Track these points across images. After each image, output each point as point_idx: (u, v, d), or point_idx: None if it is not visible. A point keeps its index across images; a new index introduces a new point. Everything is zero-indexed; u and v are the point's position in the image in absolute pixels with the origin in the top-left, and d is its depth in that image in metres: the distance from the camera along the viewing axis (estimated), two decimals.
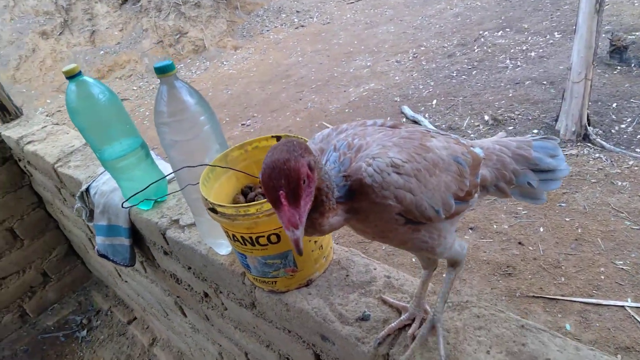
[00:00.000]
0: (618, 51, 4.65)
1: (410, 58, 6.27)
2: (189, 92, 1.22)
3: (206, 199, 1.13)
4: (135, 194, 1.44)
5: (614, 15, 5.67)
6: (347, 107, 5.42)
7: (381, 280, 1.16)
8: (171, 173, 1.33)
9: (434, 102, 5.04)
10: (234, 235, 1.15)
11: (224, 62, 8.10)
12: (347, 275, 1.20)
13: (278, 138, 1.34)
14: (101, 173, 1.85)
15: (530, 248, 3.06)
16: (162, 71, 1.20)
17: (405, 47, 6.64)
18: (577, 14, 3.57)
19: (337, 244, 1.29)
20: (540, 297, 2.70)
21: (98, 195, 1.78)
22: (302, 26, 8.73)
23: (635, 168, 3.48)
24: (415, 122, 4.72)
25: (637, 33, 5.12)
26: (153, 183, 1.44)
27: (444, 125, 4.57)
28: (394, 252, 3.24)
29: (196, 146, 1.26)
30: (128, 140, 1.54)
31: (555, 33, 5.80)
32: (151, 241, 1.76)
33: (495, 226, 3.30)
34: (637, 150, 3.65)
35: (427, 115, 4.82)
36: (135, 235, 1.80)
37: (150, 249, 1.82)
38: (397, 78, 5.81)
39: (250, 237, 1.12)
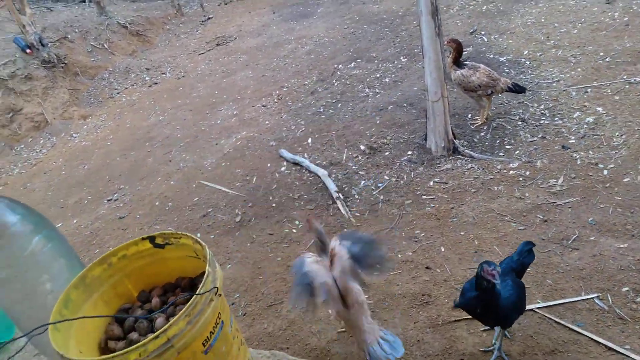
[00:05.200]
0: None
1: (275, 100, 6.24)
2: (8, 207, 0.87)
3: (62, 356, 0.79)
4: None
5: (445, 34, 6.29)
6: (223, 160, 5.13)
7: None
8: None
9: (309, 140, 5.01)
10: None
11: (74, 135, 7.24)
12: None
13: (152, 239, 1.03)
14: None
15: (438, 270, 3.06)
16: None
17: (267, 90, 6.61)
18: (422, 39, 3.82)
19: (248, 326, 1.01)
20: (461, 319, 2.67)
21: None
22: (156, 83, 8.27)
23: (504, 171, 3.76)
24: (296, 163, 4.61)
25: (468, 48, 5.73)
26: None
27: (324, 162, 4.53)
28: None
29: (34, 279, 0.90)
30: None
31: (402, 58, 6.25)
32: None
33: (400, 255, 3.27)
34: (500, 154, 3.97)
35: (305, 155, 4.75)
36: None
37: None
38: (267, 122, 5.70)
39: None
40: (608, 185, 3.32)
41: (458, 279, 2.95)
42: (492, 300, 2.06)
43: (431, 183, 3.89)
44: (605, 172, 3.44)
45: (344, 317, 2.10)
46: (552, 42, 5.46)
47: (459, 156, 4.08)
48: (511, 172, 3.74)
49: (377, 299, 2.95)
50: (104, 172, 5.80)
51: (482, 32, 6.16)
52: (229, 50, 8.79)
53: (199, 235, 4.02)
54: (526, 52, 5.45)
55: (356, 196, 4.00)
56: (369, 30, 7.51)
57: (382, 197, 3.89)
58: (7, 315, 0.93)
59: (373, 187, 4.04)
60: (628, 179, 3.30)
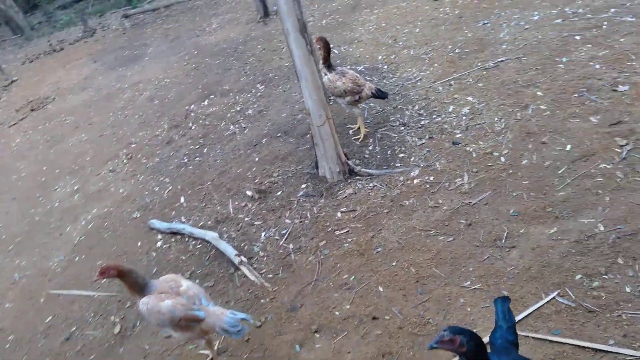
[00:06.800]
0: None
1: (125, 161, 5.24)
2: None
3: None
4: None
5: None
6: (76, 254, 4.01)
7: None
8: None
9: (182, 200, 4.21)
10: None
11: None
12: None
13: None
14: None
15: (387, 318, 2.59)
16: None
17: (112, 151, 5.55)
18: (293, 60, 3.38)
19: None
20: None
21: None
22: None
23: (408, 182, 3.49)
24: (175, 233, 3.78)
25: None
26: None
27: (210, 222, 3.79)
28: None
29: None
30: None
31: (258, 85, 5.77)
32: None
33: (337, 312, 2.72)
34: (397, 165, 3.70)
35: (183, 219, 3.95)
36: None
37: None
38: (122, 190, 4.70)
39: None
40: (511, 171, 3.23)
41: (414, 320, 2.51)
42: None
43: (339, 214, 3.44)
44: (503, 159, 3.37)
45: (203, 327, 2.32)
46: (400, 43, 5.52)
47: (357, 177, 3.71)
48: (415, 181, 3.48)
49: None
50: None
51: (331, 45, 6.00)
52: (48, 114, 7.35)
53: None
54: (380, 57, 5.40)
55: (261, 253, 3.35)
56: (212, 63, 6.90)
57: (291, 245, 3.32)
58: None
59: (277, 237, 3.44)
60: (526, 161, 3.26)
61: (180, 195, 4.28)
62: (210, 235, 3.56)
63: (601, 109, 3.34)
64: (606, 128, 3.16)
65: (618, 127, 3.11)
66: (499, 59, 4.47)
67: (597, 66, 3.79)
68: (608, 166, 2.87)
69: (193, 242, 3.65)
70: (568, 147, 3.16)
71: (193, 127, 5.39)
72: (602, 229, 2.54)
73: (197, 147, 4.98)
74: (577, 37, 4.27)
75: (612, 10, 4.47)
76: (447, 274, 2.72)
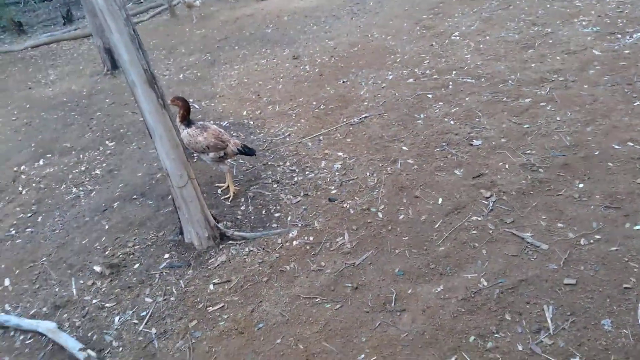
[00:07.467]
0: None
1: None
2: None
3: None
4: None
5: None
6: None
7: None
8: None
9: (7, 282, 3.33)
10: None
11: None
12: None
13: None
14: None
15: None
16: None
17: None
18: (143, 116, 2.94)
19: None
20: None
21: None
22: None
23: (287, 244, 3.22)
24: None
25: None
26: None
27: (45, 309, 3.02)
28: None
29: None
30: None
31: (107, 142, 5.09)
32: None
33: None
34: (273, 226, 3.42)
35: (7, 306, 3.08)
36: None
37: None
38: None
39: None
40: (390, 227, 3.18)
41: None
42: None
43: (211, 287, 2.99)
44: (380, 214, 3.31)
45: None
46: (264, 99, 5.41)
47: (231, 242, 3.32)
48: (295, 242, 3.23)
49: None
50: None
51: (191, 100, 5.65)
52: None
53: None
54: (245, 112, 5.21)
55: (115, 343, 2.71)
56: (50, 118, 5.96)
57: (154, 330, 2.75)
58: None
59: (135, 320, 2.84)
60: (402, 216, 3.25)
61: (5, 276, 3.37)
62: (45, 326, 2.79)
63: (462, 162, 3.55)
64: (470, 180, 3.33)
65: (481, 180, 3.31)
66: (363, 115, 4.60)
67: (452, 122, 4.09)
68: (479, 218, 2.98)
69: (21, 337, 2.83)
70: (440, 201, 3.24)
71: (24, 192, 4.45)
72: (485, 284, 2.55)
73: (29, 215, 4.08)
74: (430, 96, 4.62)
75: (454, 72, 4.98)
76: (339, 348, 2.45)
